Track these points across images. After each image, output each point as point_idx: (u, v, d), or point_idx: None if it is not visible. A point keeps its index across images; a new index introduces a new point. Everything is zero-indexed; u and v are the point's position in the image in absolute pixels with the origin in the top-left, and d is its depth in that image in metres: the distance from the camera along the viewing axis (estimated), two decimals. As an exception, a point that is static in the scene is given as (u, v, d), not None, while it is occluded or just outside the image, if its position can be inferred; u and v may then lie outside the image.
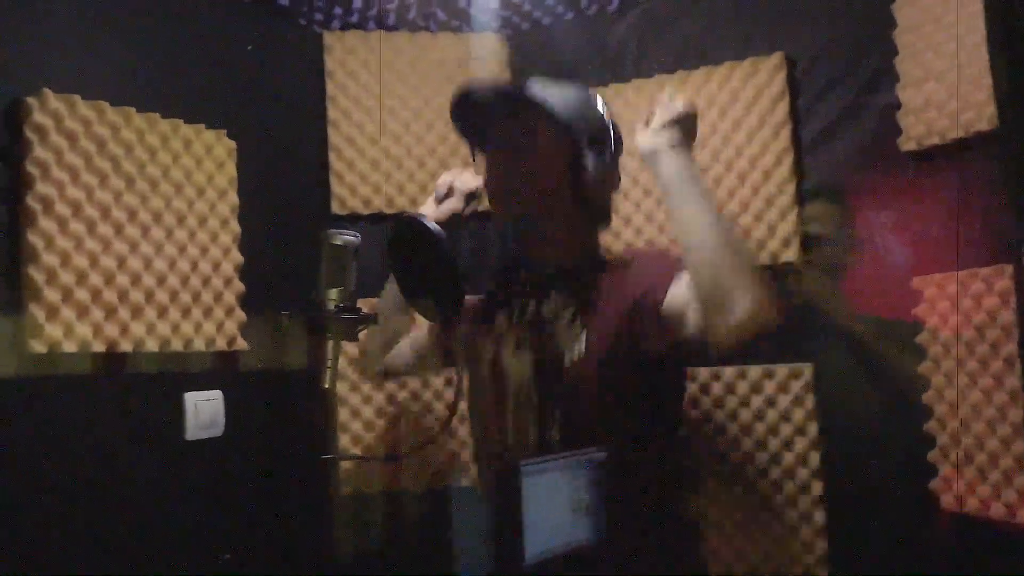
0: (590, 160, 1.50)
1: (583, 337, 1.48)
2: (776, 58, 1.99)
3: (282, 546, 1.97)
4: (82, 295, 1.62)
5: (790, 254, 1.95)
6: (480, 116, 1.59)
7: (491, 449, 1.59)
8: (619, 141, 1.60)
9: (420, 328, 1.84)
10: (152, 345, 1.74)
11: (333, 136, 2.19)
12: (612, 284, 1.53)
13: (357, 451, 2.09)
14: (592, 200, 1.56)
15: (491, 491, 1.60)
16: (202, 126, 1.89)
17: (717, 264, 1.33)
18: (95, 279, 1.64)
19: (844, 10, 1.94)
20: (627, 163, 1.72)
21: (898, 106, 1.82)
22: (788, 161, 1.96)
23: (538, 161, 1.52)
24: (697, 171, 1.44)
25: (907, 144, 1.80)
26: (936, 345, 1.76)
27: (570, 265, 1.57)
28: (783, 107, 1.97)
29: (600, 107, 1.57)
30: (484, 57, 2.24)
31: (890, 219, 1.87)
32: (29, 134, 1.56)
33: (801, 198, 1.96)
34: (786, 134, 1.96)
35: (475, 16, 2.22)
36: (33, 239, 1.55)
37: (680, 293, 1.42)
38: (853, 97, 1.92)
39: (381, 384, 2.10)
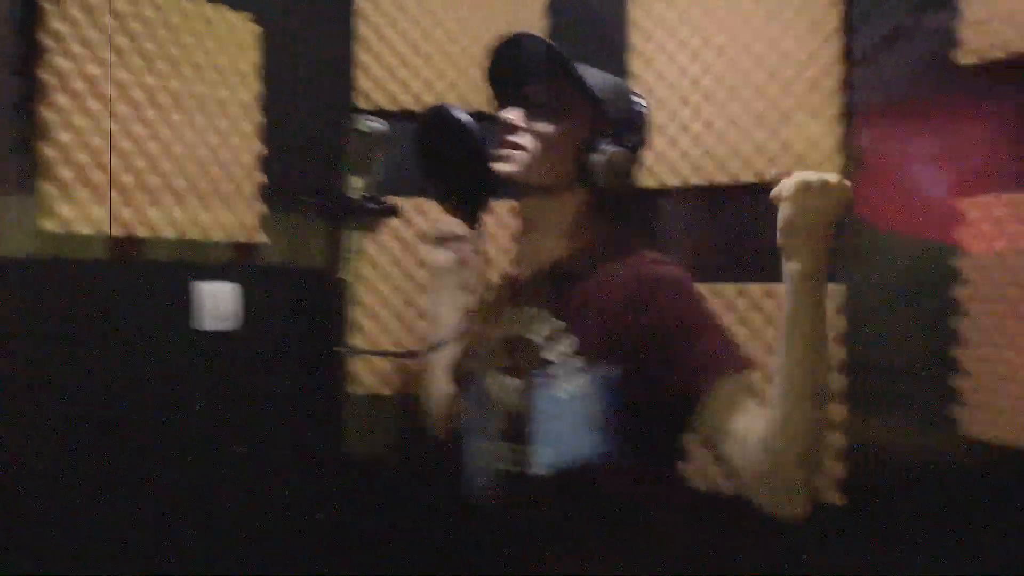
0: (609, 147, 1.34)
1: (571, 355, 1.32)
2: (831, -39, 1.88)
3: (293, 442, 1.96)
4: (98, 176, 1.57)
5: (830, 170, 1.87)
6: (515, 72, 1.40)
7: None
8: (643, 140, 1.44)
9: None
10: (169, 233, 1.70)
11: (361, 26, 2.10)
12: (617, 298, 1.32)
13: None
14: (604, 193, 1.39)
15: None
16: (224, 7, 1.81)
17: (801, 450, 1.16)
18: (112, 160, 1.59)
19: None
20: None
21: (959, 17, 1.72)
22: (836, 72, 1.87)
23: (554, 127, 1.36)
24: (822, 311, 1.16)
25: (967, 58, 1.70)
26: (973, 269, 1.70)
27: (567, 264, 1.40)
28: (835, 14, 1.88)
29: (636, 100, 1.43)
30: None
31: (939, 137, 1.78)
32: (44, 2, 1.49)
33: (848, 112, 1.87)
34: (837, 43, 1.87)
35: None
36: (47, 114, 1.49)
37: (738, 419, 1.25)
38: (911, 7, 1.82)
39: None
